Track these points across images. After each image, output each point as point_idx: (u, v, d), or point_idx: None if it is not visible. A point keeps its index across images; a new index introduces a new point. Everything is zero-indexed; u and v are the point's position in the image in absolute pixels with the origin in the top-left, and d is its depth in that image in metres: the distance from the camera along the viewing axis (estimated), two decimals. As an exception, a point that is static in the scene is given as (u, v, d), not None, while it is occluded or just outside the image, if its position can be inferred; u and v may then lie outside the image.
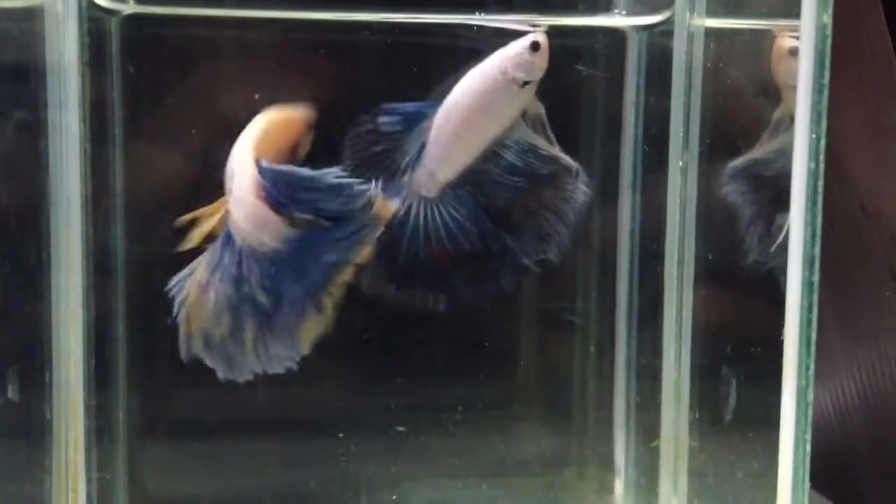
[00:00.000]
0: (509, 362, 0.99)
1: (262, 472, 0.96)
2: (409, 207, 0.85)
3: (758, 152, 0.81)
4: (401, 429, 0.96)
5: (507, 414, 1.00)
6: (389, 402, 0.96)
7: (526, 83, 0.85)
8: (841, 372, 1.01)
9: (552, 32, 0.91)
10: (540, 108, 0.85)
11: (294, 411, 0.94)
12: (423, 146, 0.84)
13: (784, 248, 0.70)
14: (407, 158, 0.85)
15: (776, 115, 0.80)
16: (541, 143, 0.85)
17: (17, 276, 0.76)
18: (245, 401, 0.92)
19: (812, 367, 0.70)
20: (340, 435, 0.95)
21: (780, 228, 0.73)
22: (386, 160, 0.85)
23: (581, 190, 0.87)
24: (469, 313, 0.93)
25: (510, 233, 0.86)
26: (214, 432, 0.95)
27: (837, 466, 1.02)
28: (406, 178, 0.85)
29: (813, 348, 0.70)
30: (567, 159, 0.86)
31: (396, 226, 0.85)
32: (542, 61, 0.85)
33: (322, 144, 0.87)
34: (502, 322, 0.98)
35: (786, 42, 0.78)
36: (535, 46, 0.84)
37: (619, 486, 1.01)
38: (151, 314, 0.91)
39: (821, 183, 0.69)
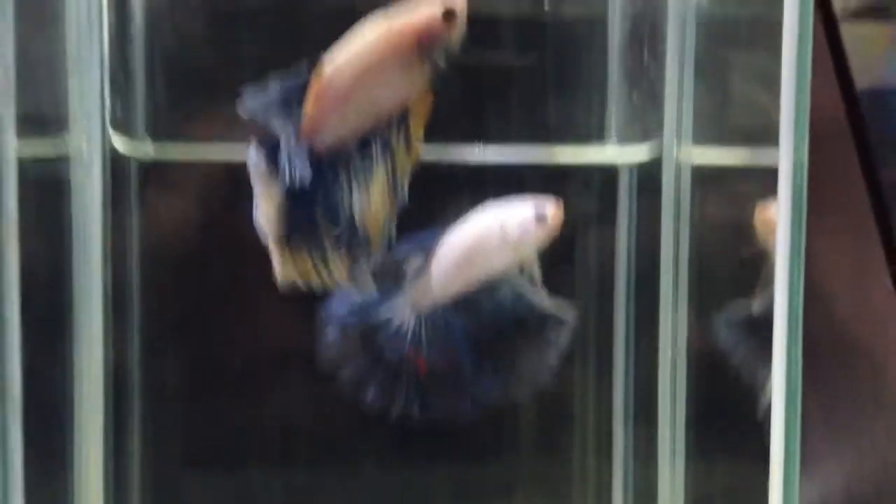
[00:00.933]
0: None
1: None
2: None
3: (751, 305, 0.84)
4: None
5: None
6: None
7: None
8: (826, 466, 1.03)
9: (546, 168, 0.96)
10: (534, 265, 0.85)
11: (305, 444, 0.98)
12: (424, 265, 0.87)
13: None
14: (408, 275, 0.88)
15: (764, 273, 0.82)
16: (533, 296, 0.86)
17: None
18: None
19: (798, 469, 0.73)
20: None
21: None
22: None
23: (566, 337, 0.87)
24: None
25: (488, 363, 0.87)
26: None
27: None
28: (404, 289, 0.86)
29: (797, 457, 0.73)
30: (558, 313, 0.86)
31: (385, 327, 0.86)
32: (544, 232, 0.85)
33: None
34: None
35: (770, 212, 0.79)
36: (540, 219, 0.84)
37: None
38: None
39: (800, 316, 0.72)
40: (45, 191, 0.83)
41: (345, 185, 0.76)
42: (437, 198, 0.91)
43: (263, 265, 0.84)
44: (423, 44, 0.76)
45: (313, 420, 0.97)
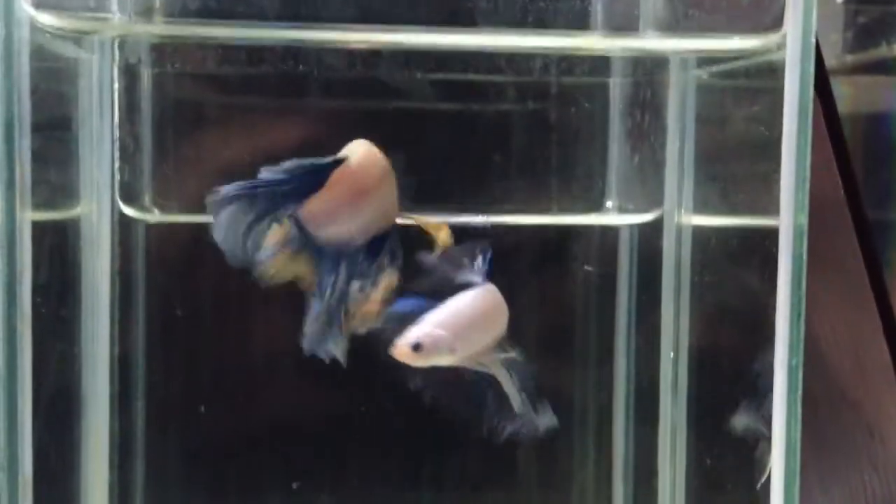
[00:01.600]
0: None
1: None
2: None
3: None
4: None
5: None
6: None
7: None
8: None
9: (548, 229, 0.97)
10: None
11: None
12: None
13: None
14: None
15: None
16: (511, 399, 0.81)
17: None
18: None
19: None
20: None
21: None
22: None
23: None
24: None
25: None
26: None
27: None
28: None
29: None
30: (534, 420, 0.83)
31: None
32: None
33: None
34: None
35: None
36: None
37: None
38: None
39: (800, 379, 0.73)
40: (55, 254, 0.84)
41: (342, 276, 0.75)
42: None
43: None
44: None
45: (317, 428, 0.97)
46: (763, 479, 0.76)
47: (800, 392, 0.73)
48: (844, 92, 0.99)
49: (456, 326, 0.77)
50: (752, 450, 0.78)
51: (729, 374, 0.88)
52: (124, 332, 0.93)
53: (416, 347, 0.76)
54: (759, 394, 0.77)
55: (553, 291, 1.01)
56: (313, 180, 0.73)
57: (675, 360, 0.94)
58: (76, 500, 0.88)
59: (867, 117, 1.07)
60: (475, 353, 0.79)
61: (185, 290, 0.95)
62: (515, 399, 0.81)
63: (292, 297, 0.74)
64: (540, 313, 1.01)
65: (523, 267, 1.00)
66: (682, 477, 0.94)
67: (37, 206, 0.71)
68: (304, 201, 0.73)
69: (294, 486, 0.97)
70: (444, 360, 0.77)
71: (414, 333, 0.76)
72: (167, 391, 0.96)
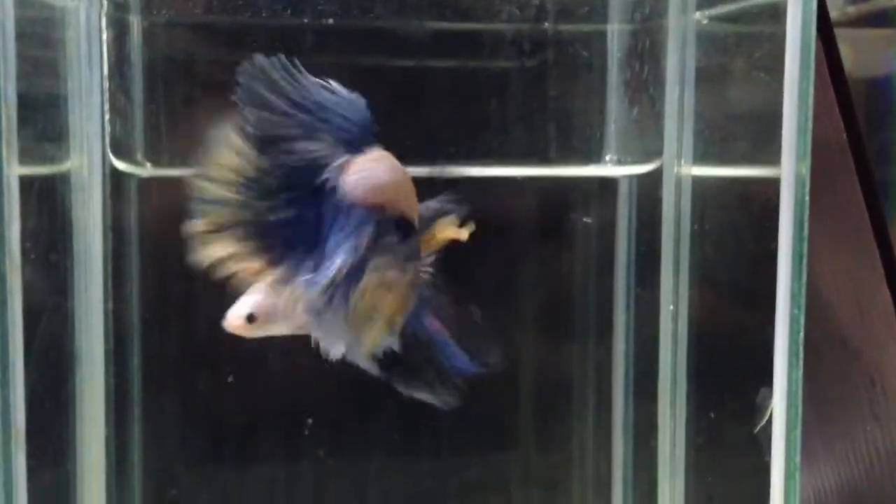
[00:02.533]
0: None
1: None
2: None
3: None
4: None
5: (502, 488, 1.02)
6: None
7: None
8: (821, 465, 1.03)
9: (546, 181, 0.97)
10: None
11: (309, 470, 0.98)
12: None
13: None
14: None
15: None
16: None
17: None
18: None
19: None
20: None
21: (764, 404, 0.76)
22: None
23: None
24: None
25: None
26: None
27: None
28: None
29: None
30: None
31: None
32: None
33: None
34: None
35: None
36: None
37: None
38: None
39: (800, 346, 0.73)
40: (44, 207, 0.83)
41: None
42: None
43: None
44: None
45: (316, 408, 0.97)
46: (762, 423, 0.75)
47: (801, 341, 0.73)
48: (845, 53, 0.98)
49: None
50: (753, 399, 0.78)
51: (730, 325, 0.87)
52: (118, 287, 0.92)
53: (250, 318, 0.73)
54: (760, 346, 0.76)
55: (552, 243, 1.00)
56: None
57: (675, 313, 0.93)
58: (72, 454, 0.87)
59: (867, 79, 1.07)
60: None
61: (179, 245, 0.94)
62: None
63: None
64: (538, 265, 1.00)
65: (521, 219, 0.99)
66: (682, 433, 0.93)
67: (25, 158, 0.70)
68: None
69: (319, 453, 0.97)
70: (281, 329, 0.74)
71: (246, 304, 0.73)
72: (162, 346, 0.95)
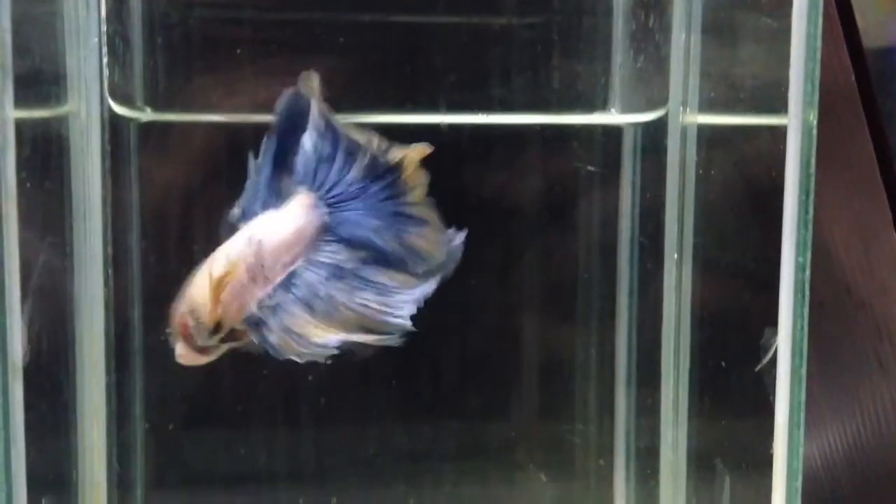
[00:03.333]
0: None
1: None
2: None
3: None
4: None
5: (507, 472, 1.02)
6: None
7: None
8: (828, 428, 1.03)
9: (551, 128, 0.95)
10: None
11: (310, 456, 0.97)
12: None
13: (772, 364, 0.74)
14: None
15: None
16: None
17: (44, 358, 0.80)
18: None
19: (800, 478, 0.72)
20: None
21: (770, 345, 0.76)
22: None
23: None
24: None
25: None
26: (230, 483, 0.98)
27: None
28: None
29: (799, 461, 0.72)
30: None
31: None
32: None
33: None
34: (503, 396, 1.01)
35: None
36: None
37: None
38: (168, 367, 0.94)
39: (807, 292, 0.72)
40: (41, 150, 0.82)
41: None
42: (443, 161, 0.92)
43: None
44: None
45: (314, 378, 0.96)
46: (764, 361, 0.75)
47: (807, 291, 0.72)
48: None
49: None
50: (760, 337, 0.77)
51: (734, 274, 0.86)
52: (117, 232, 0.91)
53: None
54: (766, 295, 0.75)
55: (555, 193, 0.99)
56: None
57: (679, 262, 0.92)
58: (72, 399, 0.87)
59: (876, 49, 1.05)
60: None
61: (180, 191, 0.93)
62: None
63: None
64: (542, 213, 0.99)
65: (524, 169, 0.98)
66: (686, 380, 0.93)
67: (19, 99, 0.68)
68: None
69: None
70: None
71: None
72: (162, 293, 0.93)
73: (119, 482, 0.94)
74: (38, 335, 0.74)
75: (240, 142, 0.92)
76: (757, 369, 0.77)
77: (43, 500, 0.76)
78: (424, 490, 1.00)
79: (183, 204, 0.93)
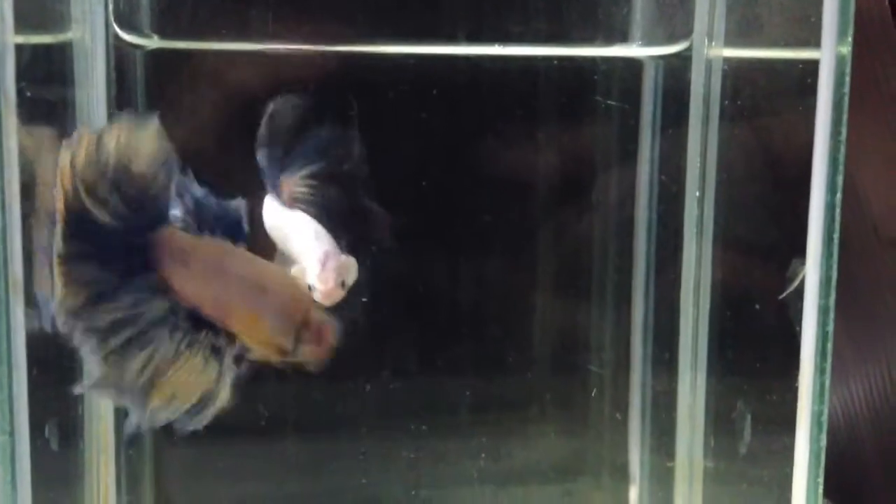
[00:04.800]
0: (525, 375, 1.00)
1: (282, 478, 0.97)
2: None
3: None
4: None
5: (523, 425, 1.01)
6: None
7: None
8: (851, 380, 1.02)
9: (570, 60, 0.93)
10: None
11: (313, 416, 0.95)
12: None
13: (798, 293, 0.72)
14: None
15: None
16: None
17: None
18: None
19: (825, 411, 0.71)
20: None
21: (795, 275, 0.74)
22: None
23: None
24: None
25: None
26: (238, 443, 0.96)
27: (846, 471, 1.03)
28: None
29: (826, 396, 0.71)
30: None
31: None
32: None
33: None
34: (517, 345, 0.99)
35: None
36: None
37: (634, 494, 1.02)
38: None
39: (836, 235, 0.70)
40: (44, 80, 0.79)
41: None
42: (457, 92, 0.91)
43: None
44: None
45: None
46: (790, 290, 0.73)
47: (836, 233, 0.70)
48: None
49: None
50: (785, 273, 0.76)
51: (758, 215, 0.84)
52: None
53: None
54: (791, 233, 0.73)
55: (573, 128, 0.96)
56: None
57: (701, 199, 0.90)
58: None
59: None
60: None
61: (187, 120, 0.91)
62: None
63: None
64: (559, 149, 0.97)
65: (542, 103, 0.96)
66: (706, 321, 0.91)
67: (20, 26, 0.66)
68: None
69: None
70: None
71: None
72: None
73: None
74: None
75: (248, 70, 0.91)
76: (782, 297, 0.75)
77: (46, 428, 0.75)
78: (436, 441, 0.99)
79: (191, 134, 0.91)
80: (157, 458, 0.96)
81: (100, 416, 0.89)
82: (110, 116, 0.86)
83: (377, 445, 0.98)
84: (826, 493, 0.74)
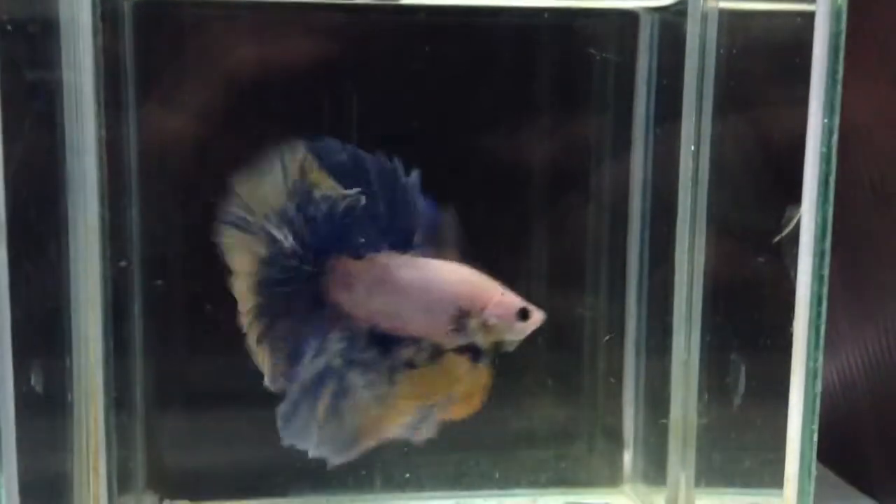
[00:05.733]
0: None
1: (275, 446, 0.97)
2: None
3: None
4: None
5: (519, 387, 1.00)
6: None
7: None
8: (847, 347, 1.01)
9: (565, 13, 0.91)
10: None
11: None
12: None
13: (794, 238, 0.71)
14: None
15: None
16: None
17: (37, 264, 0.77)
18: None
19: (821, 358, 0.70)
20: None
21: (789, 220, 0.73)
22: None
23: None
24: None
25: None
26: (228, 408, 0.96)
27: (842, 439, 1.02)
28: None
29: (822, 340, 0.70)
30: None
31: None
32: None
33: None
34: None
35: None
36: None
37: (627, 459, 1.02)
38: (167, 295, 0.92)
39: (832, 177, 0.69)
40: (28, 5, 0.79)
41: None
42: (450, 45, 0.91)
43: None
44: None
45: None
46: (784, 233, 0.73)
47: (832, 181, 0.69)
48: None
49: None
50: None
51: (755, 163, 0.83)
52: (110, 116, 0.87)
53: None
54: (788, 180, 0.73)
55: (568, 81, 0.96)
56: None
57: (697, 154, 0.89)
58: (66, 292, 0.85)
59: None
60: None
61: (178, 77, 0.90)
62: None
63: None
64: (553, 102, 0.96)
65: (535, 55, 0.95)
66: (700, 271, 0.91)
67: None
68: None
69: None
70: None
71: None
72: (157, 169, 0.92)
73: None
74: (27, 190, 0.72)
75: (237, 22, 0.90)
76: (776, 240, 0.74)
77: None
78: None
79: (179, 86, 0.90)
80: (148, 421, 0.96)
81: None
82: (97, 76, 0.85)
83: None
84: (822, 460, 0.74)
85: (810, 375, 0.70)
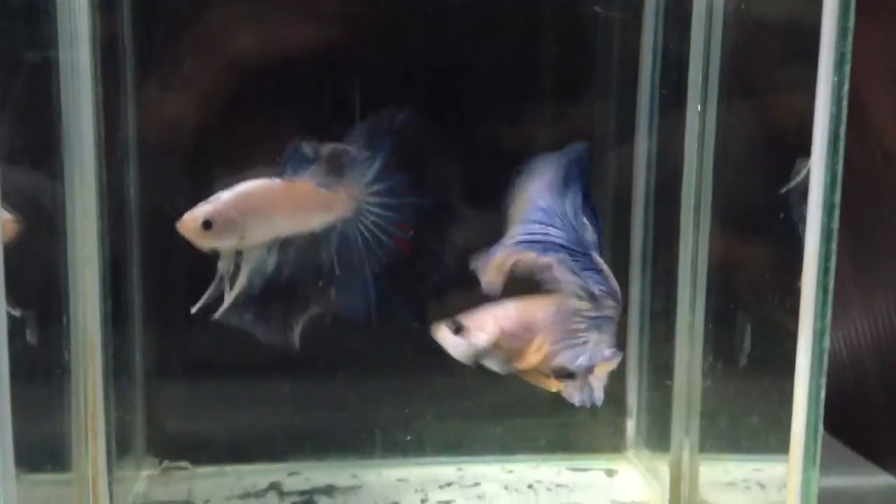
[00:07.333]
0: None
1: (276, 411, 0.97)
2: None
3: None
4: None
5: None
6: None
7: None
8: (856, 315, 1.01)
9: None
10: None
11: (308, 352, 0.94)
12: None
13: (801, 192, 0.70)
14: None
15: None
16: None
17: (33, 221, 0.76)
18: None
19: (829, 315, 0.70)
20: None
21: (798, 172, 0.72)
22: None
23: None
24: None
25: None
26: (228, 372, 0.96)
27: (850, 408, 1.02)
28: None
29: (830, 296, 0.70)
30: None
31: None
32: None
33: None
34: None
35: None
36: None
37: (630, 426, 1.02)
38: (166, 255, 0.91)
39: (842, 128, 0.68)
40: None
41: None
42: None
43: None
44: None
45: None
46: (792, 184, 0.72)
47: (842, 144, 0.68)
48: None
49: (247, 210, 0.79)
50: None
51: (760, 123, 0.83)
52: (109, 98, 0.86)
53: (206, 225, 0.78)
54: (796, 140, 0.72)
55: (572, 38, 0.95)
56: None
57: (703, 114, 0.87)
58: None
59: None
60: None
61: (176, 55, 0.90)
62: None
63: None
64: (557, 61, 0.96)
65: (537, 12, 0.94)
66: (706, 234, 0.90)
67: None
68: None
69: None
70: (230, 243, 0.79)
71: (204, 210, 0.78)
72: (156, 128, 0.91)
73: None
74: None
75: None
76: (783, 191, 0.74)
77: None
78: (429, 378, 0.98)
79: (179, 47, 0.89)
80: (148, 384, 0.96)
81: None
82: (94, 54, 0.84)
83: (370, 373, 0.97)
84: (830, 430, 0.73)
85: (817, 334, 0.70)
